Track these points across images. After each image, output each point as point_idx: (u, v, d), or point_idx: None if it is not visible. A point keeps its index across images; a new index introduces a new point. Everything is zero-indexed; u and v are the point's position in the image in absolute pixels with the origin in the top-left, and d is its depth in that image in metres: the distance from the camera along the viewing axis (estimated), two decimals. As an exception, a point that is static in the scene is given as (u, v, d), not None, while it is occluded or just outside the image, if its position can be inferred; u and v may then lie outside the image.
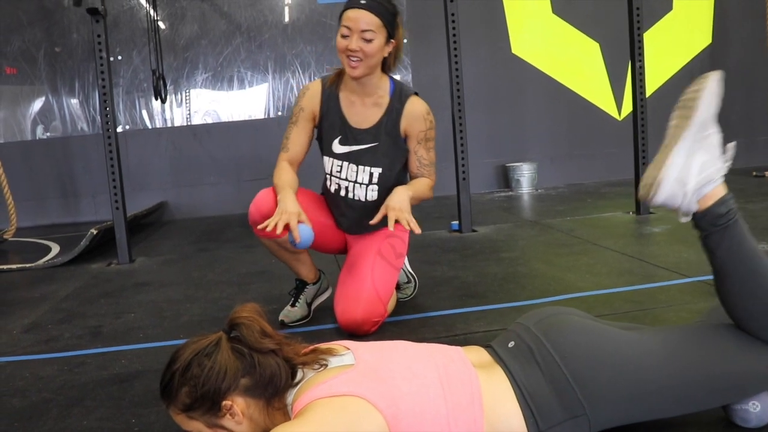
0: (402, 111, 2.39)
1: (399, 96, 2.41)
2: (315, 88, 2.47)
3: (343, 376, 1.35)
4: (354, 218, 2.52)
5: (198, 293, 3.25)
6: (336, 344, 1.50)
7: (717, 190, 1.44)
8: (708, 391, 1.44)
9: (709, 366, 1.43)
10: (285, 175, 2.37)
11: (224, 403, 1.32)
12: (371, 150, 2.42)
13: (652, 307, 2.47)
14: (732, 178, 5.60)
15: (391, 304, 2.58)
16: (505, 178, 6.73)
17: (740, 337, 1.47)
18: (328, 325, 2.53)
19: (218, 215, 6.44)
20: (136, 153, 6.48)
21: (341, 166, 2.45)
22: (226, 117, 6.64)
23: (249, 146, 6.49)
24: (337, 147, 2.45)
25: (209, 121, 6.64)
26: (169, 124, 6.59)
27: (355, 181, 2.44)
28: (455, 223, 4.43)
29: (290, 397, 1.37)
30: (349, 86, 2.41)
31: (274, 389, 1.37)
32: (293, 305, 2.57)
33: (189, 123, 6.61)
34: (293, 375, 1.40)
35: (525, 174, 6.51)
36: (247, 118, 6.63)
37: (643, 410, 1.42)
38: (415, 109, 2.40)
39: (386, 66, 2.40)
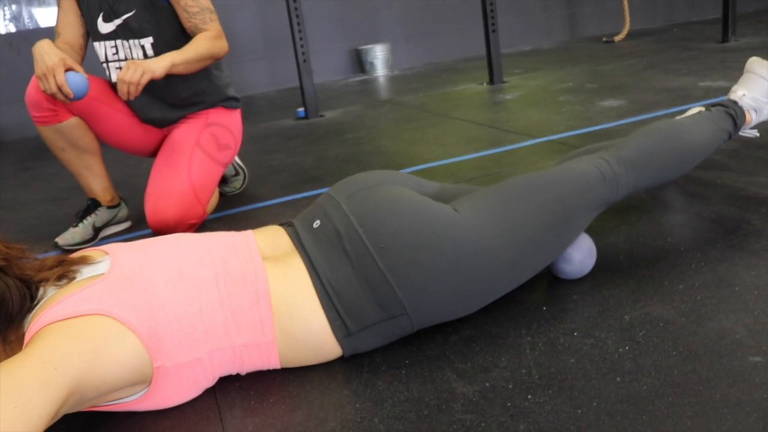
0: None
1: None
2: None
3: (86, 291, 1.05)
4: (149, 103, 2.21)
5: (4, 215, 2.83)
6: (94, 250, 1.20)
7: None
8: (530, 254, 1.25)
9: (529, 225, 1.24)
10: None
11: None
12: (132, 19, 2.11)
13: (497, 171, 2.30)
14: (584, 44, 5.44)
15: (212, 204, 2.29)
16: (360, 63, 6.39)
17: (556, 183, 1.30)
18: (146, 231, 2.23)
19: (50, 132, 5.80)
20: (-59, 70, 5.66)
21: (115, 46, 2.16)
22: (46, 23, 5.87)
23: (75, 52, 5.77)
24: (103, 26, 2.15)
25: (27, 28, 5.85)
26: (-23, 35, 5.77)
27: (133, 59, 2.10)
28: (301, 110, 4.11)
29: (27, 324, 1.06)
30: None
31: (5, 317, 1.05)
32: (75, 225, 2.20)
33: (3, 32, 5.81)
34: (32, 297, 1.08)
35: (378, 56, 6.18)
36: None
37: (468, 294, 1.20)
38: None
39: None
